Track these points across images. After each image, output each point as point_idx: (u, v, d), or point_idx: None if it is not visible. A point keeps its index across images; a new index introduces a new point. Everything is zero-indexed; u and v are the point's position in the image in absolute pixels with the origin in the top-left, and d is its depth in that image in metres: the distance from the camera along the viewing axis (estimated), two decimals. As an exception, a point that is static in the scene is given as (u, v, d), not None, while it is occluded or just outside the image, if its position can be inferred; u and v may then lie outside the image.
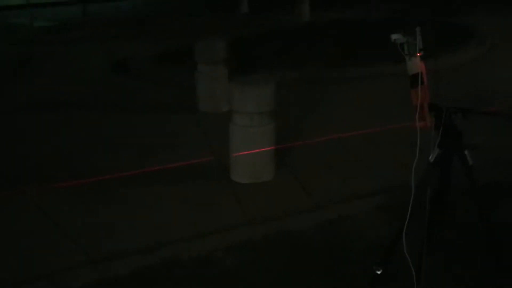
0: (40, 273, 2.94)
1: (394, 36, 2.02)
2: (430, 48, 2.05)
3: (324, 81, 6.67)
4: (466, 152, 2.07)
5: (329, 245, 3.18)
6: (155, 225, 3.46)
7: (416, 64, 2.03)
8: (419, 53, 2.03)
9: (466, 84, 6.24)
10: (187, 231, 3.37)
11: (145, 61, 8.00)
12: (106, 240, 3.28)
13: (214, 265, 3.02)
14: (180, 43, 8.48)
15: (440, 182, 2.18)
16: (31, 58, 8.47)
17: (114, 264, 3.02)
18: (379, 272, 2.34)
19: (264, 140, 4.01)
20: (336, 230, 3.35)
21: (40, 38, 10.15)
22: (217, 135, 4.95)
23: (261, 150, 3.97)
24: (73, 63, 8.30)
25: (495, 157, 4.11)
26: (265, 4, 13.36)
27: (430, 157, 2.14)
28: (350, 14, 12.02)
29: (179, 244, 3.25)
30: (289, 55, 7.92)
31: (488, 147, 4.12)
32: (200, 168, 4.29)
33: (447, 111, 2.06)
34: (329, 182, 4.02)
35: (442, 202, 2.22)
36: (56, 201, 3.78)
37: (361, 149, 4.62)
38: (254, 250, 3.17)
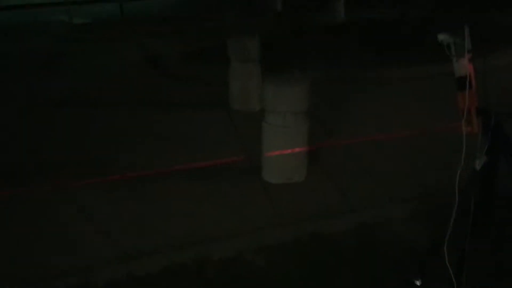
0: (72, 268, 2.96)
1: (441, 37, 1.92)
2: (479, 49, 1.94)
3: (359, 81, 6.53)
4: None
5: (362, 250, 3.09)
6: (186, 224, 3.45)
7: (463, 66, 1.92)
8: (467, 54, 1.92)
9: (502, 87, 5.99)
10: (218, 230, 3.35)
11: (179, 59, 8.02)
12: (137, 237, 3.29)
13: (244, 265, 2.99)
14: (214, 40, 8.46)
15: (485, 190, 2.07)
16: (68, 55, 8.61)
17: (145, 261, 3.03)
18: (418, 283, 2.24)
19: (297, 140, 3.94)
20: (370, 235, 3.26)
21: (78, 35, 10.31)
22: (250, 134, 4.91)
23: (293, 150, 3.91)
24: (110, 60, 8.39)
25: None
26: (299, 1, 13.23)
27: (476, 164, 2.03)
28: (387, 12, 11.77)
29: (210, 243, 3.22)
30: (324, 54, 7.79)
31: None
32: (232, 167, 4.25)
33: (496, 116, 1.95)
34: (364, 185, 3.92)
35: (486, 210, 2.11)
36: (90, 195, 3.82)
37: (398, 152, 4.48)
38: (285, 252, 3.11)
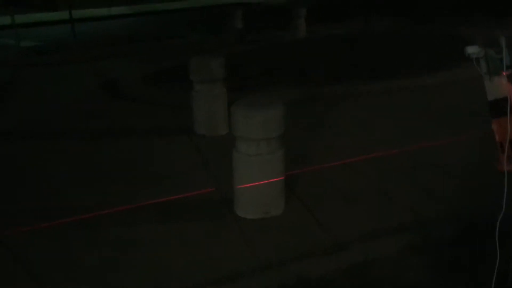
0: None
1: (469, 50, 1.56)
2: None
3: (327, 98, 6.22)
4: None
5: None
6: (147, 274, 2.94)
7: (501, 85, 1.55)
8: (506, 71, 1.55)
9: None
10: (187, 279, 2.86)
11: (137, 81, 7.54)
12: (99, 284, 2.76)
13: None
14: (174, 61, 8.05)
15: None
16: (17, 80, 7.97)
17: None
18: None
19: (272, 169, 3.52)
20: (363, 275, 2.86)
21: (27, 59, 9.66)
22: (217, 162, 4.48)
23: (269, 181, 3.49)
24: (62, 84, 7.80)
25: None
26: (259, 19, 13.00)
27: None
28: (346, 28, 11.69)
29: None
30: (289, 72, 7.49)
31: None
32: (200, 201, 3.79)
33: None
34: (350, 216, 3.53)
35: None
36: (29, 242, 3.26)
37: (382, 175, 4.12)
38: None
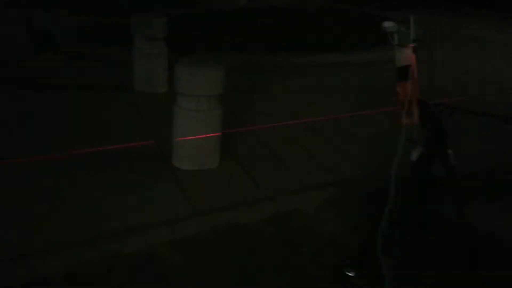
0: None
1: (386, 24, 1.88)
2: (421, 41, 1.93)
3: (268, 67, 6.52)
4: (449, 151, 2.00)
5: (280, 239, 3.04)
6: (90, 217, 3.11)
7: (407, 56, 1.90)
8: (412, 43, 1.90)
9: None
10: (126, 223, 3.07)
11: (74, 34, 7.39)
12: (35, 234, 2.90)
13: (157, 261, 2.77)
14: (115, 16, 7.94)
15: (421, 181, 2.09)
16: None
17: (42, 261, 2.67)
18: (351, 275, 2.22)
19: (211, 125, 3.77)
20: (286, 223, 3.22)
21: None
22: (156, 118, 4.66)
23: (207, 135, 3.74)
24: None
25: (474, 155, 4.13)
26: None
27: (412, 155, 2.04)
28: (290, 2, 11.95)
29: (117, 237, 2.94)
30: (232, 39, 7.66)
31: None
32: (138, 153, 3.97)
33: (436, 108, 1.97)
34: (278, 172, 3.87)
35: (423, 199, 2.13)
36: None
37: (312, 139, 4.50)
38: (201, 244, 2.95)
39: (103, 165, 3.74)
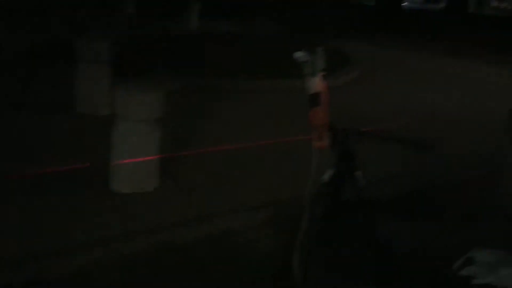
0: None
1: (297, 54, 2.02)
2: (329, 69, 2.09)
3: (212, 91, 6.63)
4: (358, 172, 2.13)
5: (215, 259, 3.08)
6: (20, 238, 3.07)
7: (316, 83, 2.04)
8: (321, 73, 2.05)
9: (340, 107, 6.57)
10: (60, 246, 3.04)
11: (17, 54, 7.28)
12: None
13: (87, 285, 2.76)
14: (59, 37, 7.88)
15: (333, 200, 2.22)
16: None
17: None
18: None
19: (149, 148, 3.81)
20: (222, 243, 3.27)
21: None
22: (96, 140, 4.64)
23: (145, 159, 3.78)
24: None
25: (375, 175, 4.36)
26: (152, 6, 13.03)
27: (324, 176, 2.17)
28: (239, 27, 12.23)
29: (47, 259, 2.91)
30: (177, 63, 7.75)
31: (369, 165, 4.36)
32: (75, 177, 3.93)
33: (344, 132, 2.11)
34: (216, 193, 3.94)
35: (333, 220, 2.25)
36: None
37: (251, 161, 4.59)
38: (134, 265, 2.96)
39: (40, 188, 3.69)
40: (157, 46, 8.76)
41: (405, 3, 22.54)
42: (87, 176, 3.95)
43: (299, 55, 2.02)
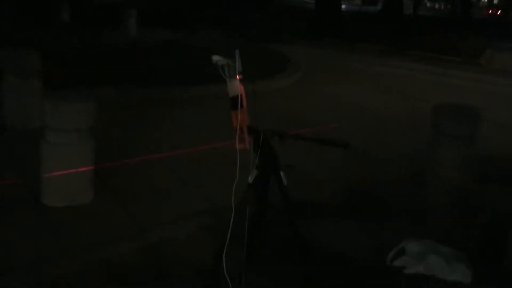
0: None
1: (215, 58, 2.02)
2: (249, 72, 2.10)
3: (146, 101, 6.53)
4: (281, 173, 2.15)
5: (149, 270, 3.03)
6: None
7: (236, 86, 2.04)
8: (238, 75, 2.05)
9: (280, 109, 6.68)
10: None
11: None
12: None
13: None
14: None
15: (259, 202, 2.23)
16: None
17: None
18: None
19: (81, 159, 3.70)
20: (158, 254, 3.22)
21: None
22: (26, 154, 4.45)
23: (76, 170, 3.66)
24: None
25: (306, 177, 4.46)
26: (89, 15, 12.73)
27: (249, 178, 2.18)
28: (178, 35, 12.12)
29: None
30: (111, 73, 7.57)
31: (300, 168, 4.47)
32: (4, 193, 3.76)
33: (264, 134, 2.12)
34: (153, 203, 3.87)
35: (261, 221, 2.27)
36: None
37: (186, 169, 4.55)
38: (66, 285, 2.85)
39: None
40: (91, 56, 8.54)
41: (344, 6, 23.16)
42: (18, 191, 3.78)
43: (216, 58, 2.02)
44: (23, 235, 3.26)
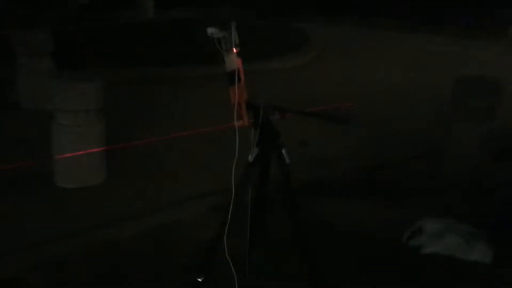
0: None
1: (210, 30, 1.92)
2: (247, 46, 2.00)
3: (159, 80, 6.47)
4: (283, 150, 2.06)
5: (158, 251, 3.01)
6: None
7: (233, 60, 1.94)
8: (235, 48, 1.95)
9: (290, 88, 6.53)
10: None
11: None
12: None
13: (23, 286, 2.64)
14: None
15: (260, 181, 2.15)
16: None
17: None
18: (200, 280, 2.21)
19: (92, 140, 3.68)
20: (167, 234, 3.19)
21: None
22: (40, 136, 4.46)
23: (87, 151, 3.64)
24: None
25: (321, 155, 4.36)
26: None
27: (249, 157, 2.09)
28: (197, 13, 11.95)
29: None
30: (125, 53, 7.51)
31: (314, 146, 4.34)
32: (19, 174, 3.76)
33: (264, 109, 2.03)
34: (163, 184, 3.84)
35: (262, 201, 2.19)
36: None
37: (195, 149, 4.50)
38: (73, 266, 2.84)
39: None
40: (102, 37, 8.48)
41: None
42: (33, 173, 3.79)
43: (211, 31, 1.92)
44: (33, 216, 3.27)
